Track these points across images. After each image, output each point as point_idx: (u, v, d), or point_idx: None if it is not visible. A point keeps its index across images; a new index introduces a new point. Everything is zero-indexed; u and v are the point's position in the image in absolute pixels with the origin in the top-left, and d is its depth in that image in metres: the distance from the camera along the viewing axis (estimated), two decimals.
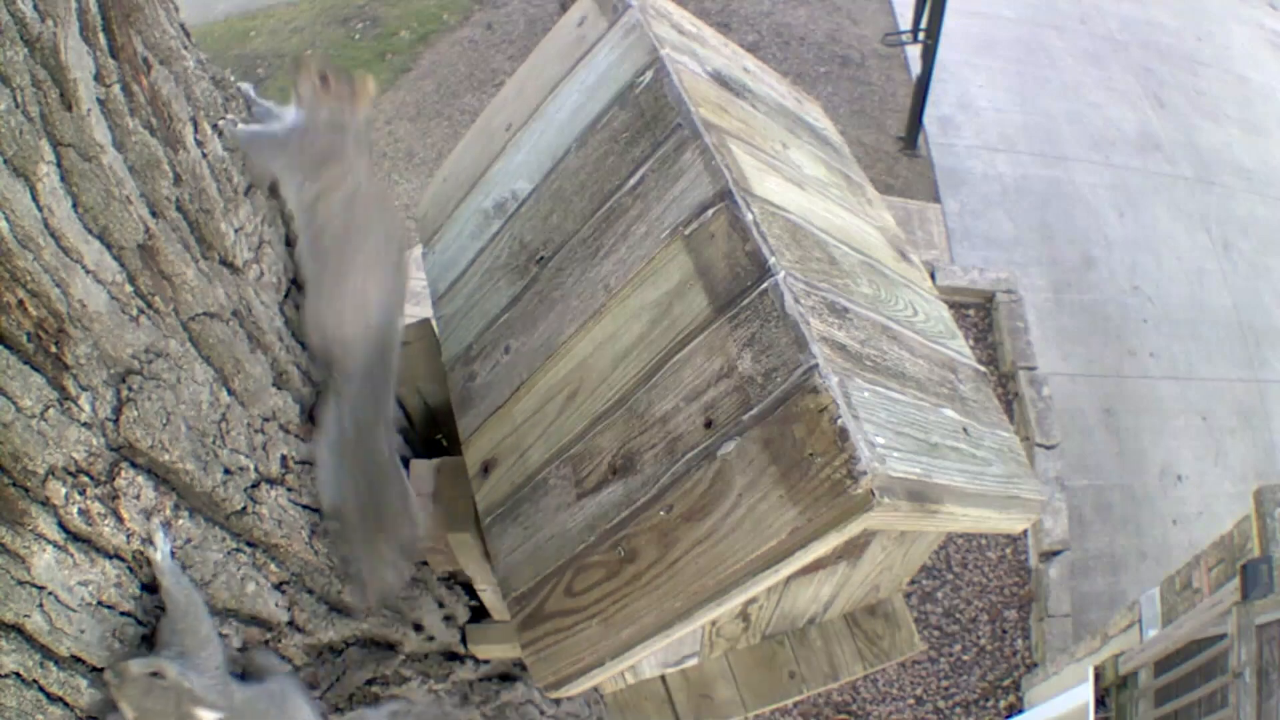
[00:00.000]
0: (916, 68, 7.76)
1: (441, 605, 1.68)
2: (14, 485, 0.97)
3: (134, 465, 1.10)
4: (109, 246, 1.06)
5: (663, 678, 1.83)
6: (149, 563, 1.10)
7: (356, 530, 1.37)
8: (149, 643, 1.13)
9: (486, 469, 1.45)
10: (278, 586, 1.32)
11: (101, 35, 1.05)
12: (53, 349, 1.00)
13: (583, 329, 1.37)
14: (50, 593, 1.02)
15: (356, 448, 1.38)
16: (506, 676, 1.89)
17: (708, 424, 1.17)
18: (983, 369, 1.59)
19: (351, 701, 1.49)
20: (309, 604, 1.38)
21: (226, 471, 1.22)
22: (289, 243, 1.47)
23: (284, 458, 1.33)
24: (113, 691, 1.04)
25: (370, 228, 1.40)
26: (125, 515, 1.08)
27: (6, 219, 0.93)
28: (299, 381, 1.39)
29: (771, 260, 1.19)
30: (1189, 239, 7.82)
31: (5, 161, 0.93)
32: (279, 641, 1.34)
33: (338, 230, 1.38)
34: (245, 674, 1.22)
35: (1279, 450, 6.80)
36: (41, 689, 1.04)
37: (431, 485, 1.57)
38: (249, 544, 1.27)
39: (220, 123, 1.26)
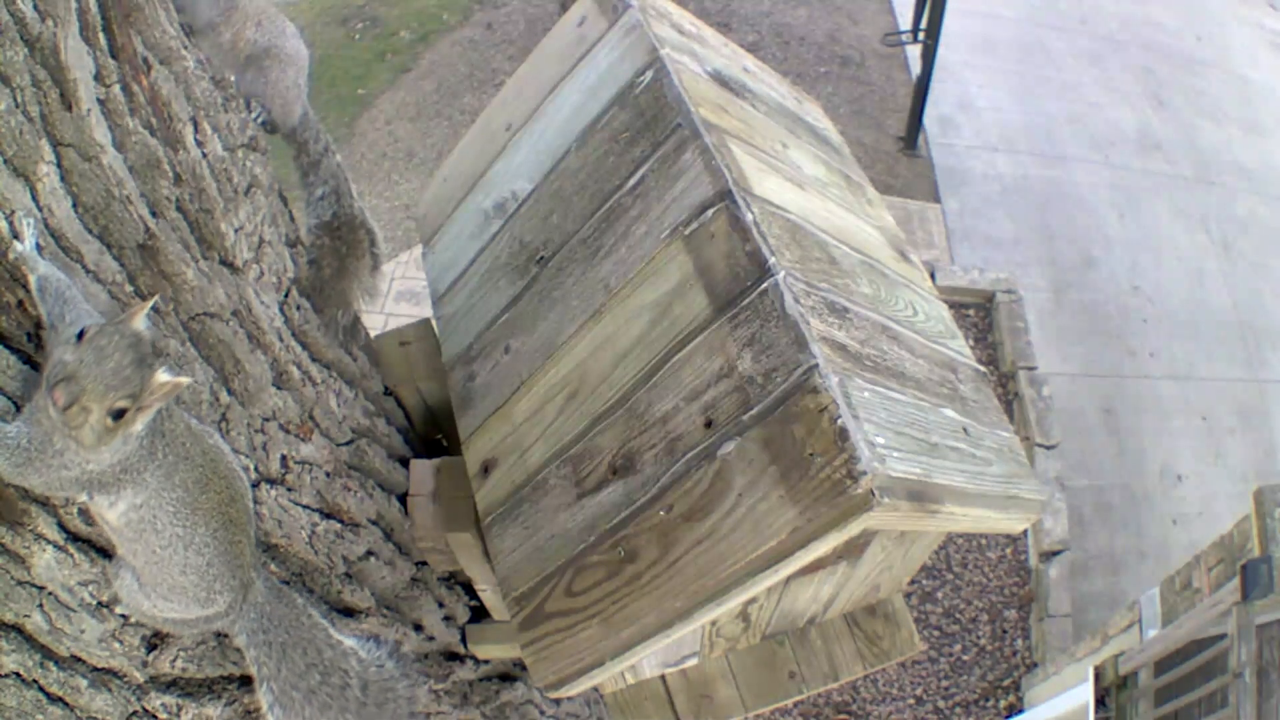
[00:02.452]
0: (916, 68, 7.76)
1: (441, 605, 1.68)
2: (14, 485, 0.97)
3: None
4: (109, 246, 1.06)
5: (663, 678, 1.83)
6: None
7: None
8: (149, 644, 1.13)
9: (486, 469, 1.45)
10: None
11: (101, 35, 1.05)
12: None
13: (583, 329, 1.37)
14: (50, 593, 1.02)
15: None
16: (506, 676, 1.88)
17: (708, 424, 1.17)
18: (983, 369, 1.59)
19: None
20: None
21: None
22: (289, 243, 1.47)
23: (284, 458, 1.33)
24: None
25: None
26: None
27: (6, 219, 0.93)
28: (299, 381, 1.39)
29: (771, 260, 1.19)
30: (1189, 239, 7.82)
31: (5, 161, 0.92)
32: None
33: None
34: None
35: (1279, 450, 6.80)
36: (41, 689, 1.04)
37: (431, 485, 1.57)
38: None
39: None
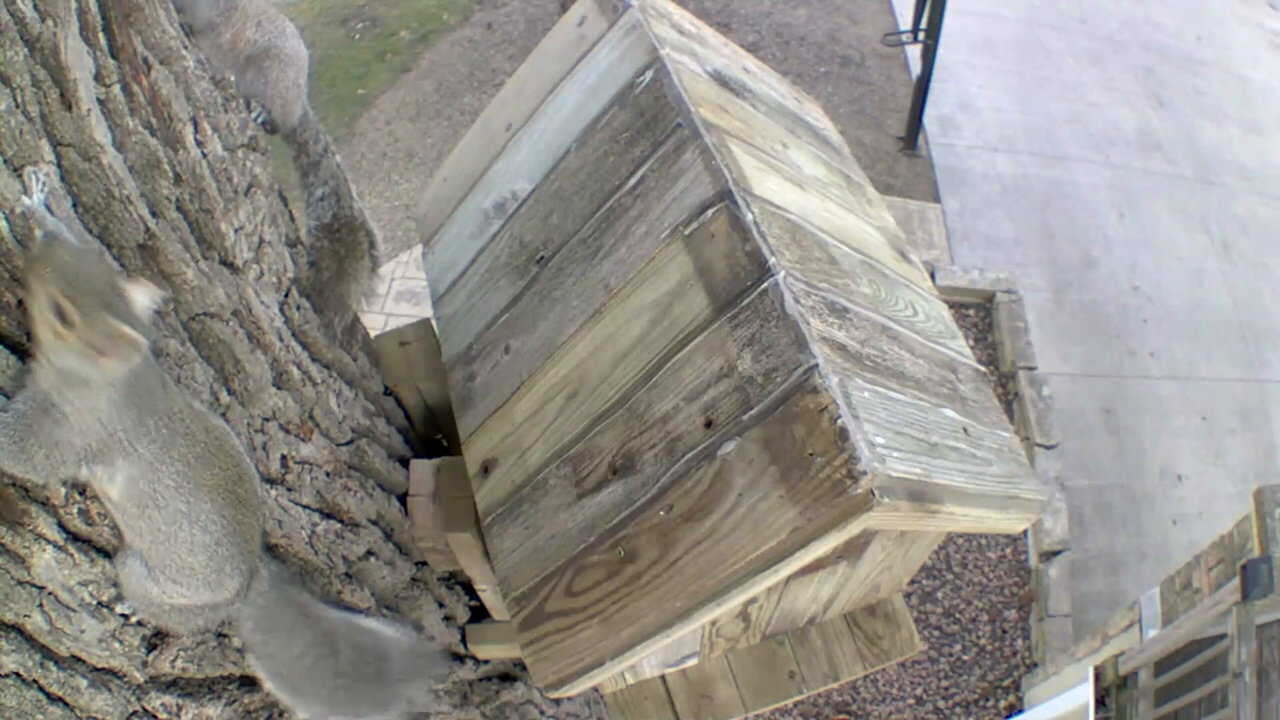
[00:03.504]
0: (916, 68, 7.76)
1: (441, 605, 1.68)
2: (14, 485, 0.97)
3: None
4: (109, 246, 1.06)
5: (663, 678, 1.83)
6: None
7: None
8: (149, 644, 1.13)
9: (486, 469, 1.45)
10: None
11: (101, 35, 1.05)
12: None
13: (583, 329, 1.37)
14: (50, 593, 1.02)
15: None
16: (506, 676, 1.89)
17: (708, 424, 1.17)
18: (983, 369, 1.59)
19: None
20: None
21: None
22: (289, 243, 1.47)
23: (284, 458, 1.33)
24: (33, 274, 0.90)
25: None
26: None
27: (6, 219, 0.93)
28: (299, 381, 1.39)
29: (771, 260, 1.19)
30: (1189, 239, 7.82)
31: (5, 161, 0.92)
32: None
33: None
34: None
35: (1279, 450, 6.80)
36: (41, 689, 1.04)
37: (431, 485, 1.57)
38: None
39: None
